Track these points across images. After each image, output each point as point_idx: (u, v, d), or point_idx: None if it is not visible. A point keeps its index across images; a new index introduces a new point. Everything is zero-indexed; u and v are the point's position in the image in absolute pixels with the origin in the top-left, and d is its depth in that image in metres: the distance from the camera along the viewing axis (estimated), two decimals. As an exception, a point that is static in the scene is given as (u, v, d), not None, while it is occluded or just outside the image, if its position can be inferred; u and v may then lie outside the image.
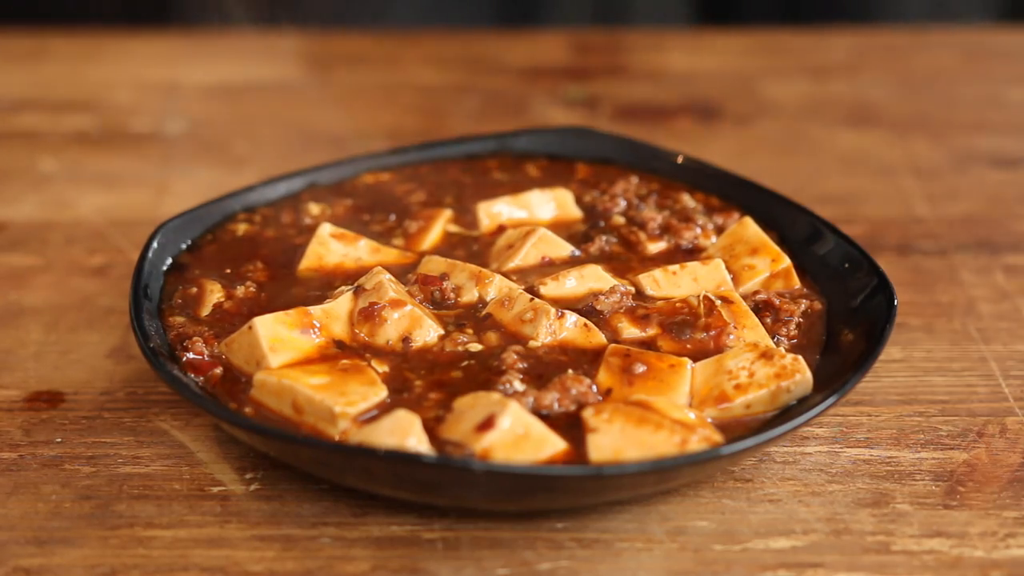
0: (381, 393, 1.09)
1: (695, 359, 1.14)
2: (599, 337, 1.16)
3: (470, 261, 1.26)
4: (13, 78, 2.00)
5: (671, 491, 1.11)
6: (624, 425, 1.05)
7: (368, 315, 1.16)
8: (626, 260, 1.29)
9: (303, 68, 2.05)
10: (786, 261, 1.26)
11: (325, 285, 1.25)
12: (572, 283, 1.22)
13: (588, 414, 1.07)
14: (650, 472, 1.00)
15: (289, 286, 1.25)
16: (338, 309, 1.18)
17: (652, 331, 1.18)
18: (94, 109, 1.89)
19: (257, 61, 2.07)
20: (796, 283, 1.26)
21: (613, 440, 1.04)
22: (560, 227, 1.35)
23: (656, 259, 1.30)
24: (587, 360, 1.14)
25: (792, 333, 1.19)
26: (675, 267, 1.24)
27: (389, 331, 1.16)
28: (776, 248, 1.27)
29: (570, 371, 1.12)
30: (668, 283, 1.23)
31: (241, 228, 1.35)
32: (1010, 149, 1.77)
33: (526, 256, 1.27)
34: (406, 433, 1.03)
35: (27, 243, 1.52)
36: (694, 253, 1.31)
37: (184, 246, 1.32)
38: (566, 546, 1.06)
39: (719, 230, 1.34)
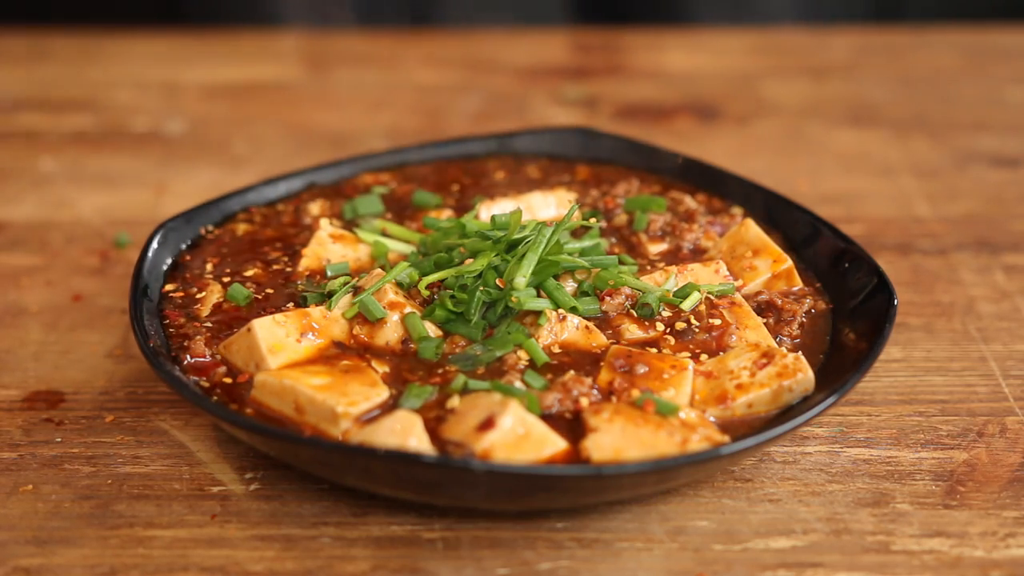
0: (383, 393, 1.09)
1: (697, 360, 1.14)
2: (600, 338, 1.16)
3: (470, 261, 1.26)
4: (13, 78, 2.00)
5: (671, 491, 1.11)
6: (625, 425, 1.05)
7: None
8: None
9: (303, 68, 2.05)
10: (788, 262, 1.26)
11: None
12: (573, 283, 1.21)
13: (589, 414, 1.07)
14: (650, 472, 1.01)
15: (289, 286, 1.25)
16: (337, 311, 1.18)
17: (654, 332, 1.18)
18: (94, 109, 1.89)
19: (257, 61, 2.07)
20: (798, 283, 1.26)
21: (614, 440, 1.04)
22: (560, 227, 1.34)
23: (657, 260, 1.30)
24: (589, 361, 1.14)
25: (795, 333, 1.19)
26: (676, 268, 1.24)
27: (388, 333, 1.16)
28: (777, 249, 1.27)
29: (571, 372, 1.12)
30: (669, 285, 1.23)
31: (241, 228, 1.35)
32: (1010, 149, 1.77)
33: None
34: (407, 433, 1.03)
35: (27, 243, 1.52)
36: (696, 254, 1.31)
37: (184, 246, 1.32)
38: (566, 546, 1.06)
39: (721, 231, 1.33)
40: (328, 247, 1.29)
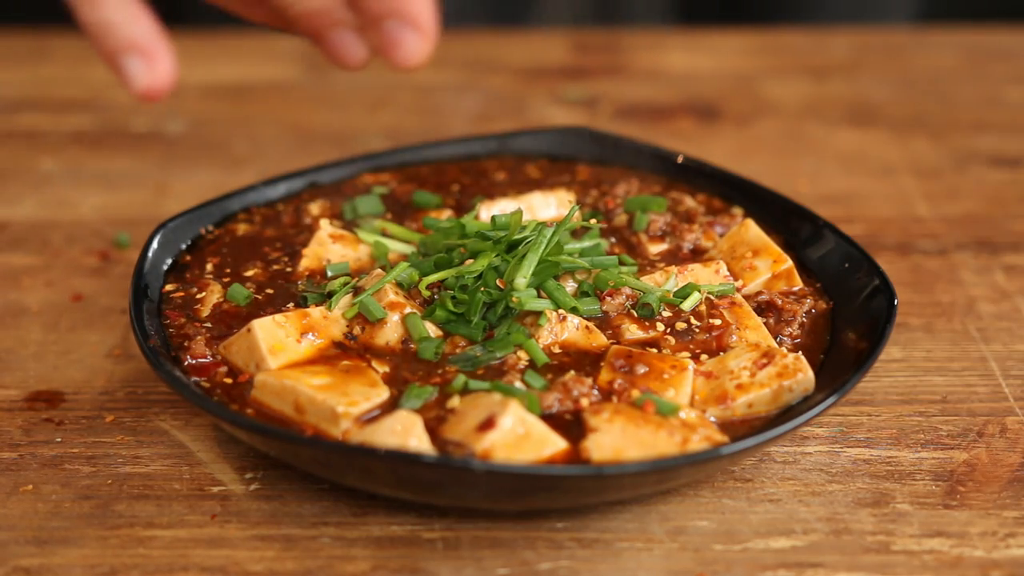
0: (383, 393, 1.09)
1: (697, 360, 1.14)
2: (601, 338, 1.16)
3: (470, 261, 1.26)
4: (13, 78, 2.00)
5: (671, 491, 1.11)
6: (625, 425, 1.05)
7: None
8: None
9: (303, 68, 2.05)
10: (788, 262, 1.26)
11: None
12: (573, 284, 1.21)
13: (589, 414, 1.07)
14: (650, 472, 1.01)
15: (289, 286, 1.25)
16: (337, 311, 1.18)
17: (654, 332, 1.18)
18: (94, 109, 1.89)
19: (257, 61, 2.07)
20: (798, 283, 1.26)
21: (614, 440, 1.04)
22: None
23: (657, 260, 1.30)
24: (589, 361, 1.14)
25: (795, 333, 1.19)
26: (676, 268, 1.24)
27: (388, 333, 1.16)
28: (777, 249, 1.27)
29: (572, 372, 1.12)
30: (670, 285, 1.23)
31: (241, 228, 1.35)
32: (1010, 149, 1.77)
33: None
34: (407, 433, 1.03)
35: (27, 243, 1.52)
36: (696, 254, 1.31)
37: (184, 246, 1.32)
38: (566, 546, 1.06)
39: (721, 231, 1.33)
40: (328, 247, 1.29)
